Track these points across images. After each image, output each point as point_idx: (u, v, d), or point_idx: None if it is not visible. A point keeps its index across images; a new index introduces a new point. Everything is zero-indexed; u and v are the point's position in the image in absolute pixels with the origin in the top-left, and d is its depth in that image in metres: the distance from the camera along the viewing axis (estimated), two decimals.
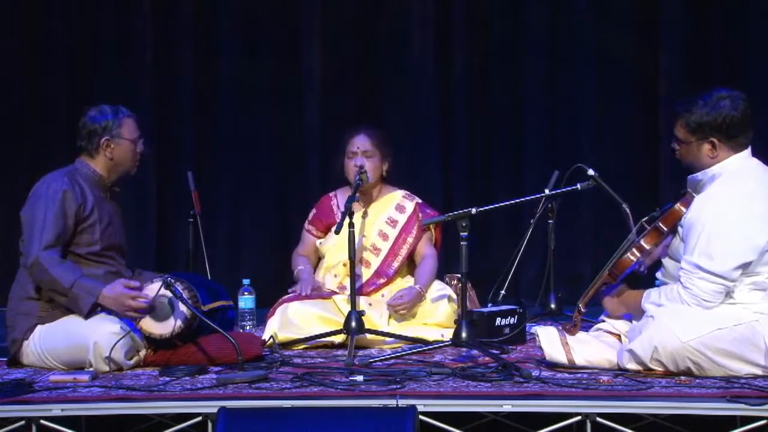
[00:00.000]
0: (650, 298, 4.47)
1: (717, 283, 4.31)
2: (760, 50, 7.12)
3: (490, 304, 5.85)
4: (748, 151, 4.47)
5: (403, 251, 5.59)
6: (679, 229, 4.47)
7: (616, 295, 4.64)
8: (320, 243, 5.67)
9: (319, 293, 5.48)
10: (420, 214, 5.62)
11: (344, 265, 5.41)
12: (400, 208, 5.65)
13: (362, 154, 5.50)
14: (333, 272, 5.57)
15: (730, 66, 7.08)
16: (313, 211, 5.77)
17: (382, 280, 5.55)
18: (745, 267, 4.32)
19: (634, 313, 4.60)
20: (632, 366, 4.40)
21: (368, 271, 5.55)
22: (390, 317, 5.40)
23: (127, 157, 4.98)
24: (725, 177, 4.39)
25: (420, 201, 5.70)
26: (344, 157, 5.55)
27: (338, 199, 5.70)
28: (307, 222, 5.76)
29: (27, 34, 7.29)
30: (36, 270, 4.72)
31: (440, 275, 5.66)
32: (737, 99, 4.42)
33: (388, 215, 5.64)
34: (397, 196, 5.68)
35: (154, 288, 4.70)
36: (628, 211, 5.42)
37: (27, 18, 7.29)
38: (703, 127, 4.41)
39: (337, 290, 5.50)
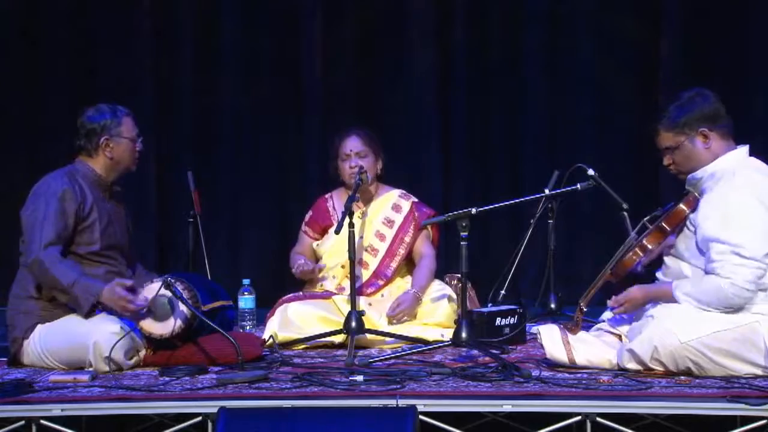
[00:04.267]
0: (684, 288, 4.38)
1: (753, 268, 4.25)
2: (761, 48, 7.11)
3: (490, 304, 5.86)
4: (745, 150, 4.48)
5: (401, 251, 5.59)
6: (690, 227, 4.45)
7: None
8: (317, 245, 5.67)
9: (318, 293, 5.48)
10: (416, 213, 5.62)
11: (342, 267, 5.42)
12: (396, 208, 5.65)
13: (356, 155, 5.51)
14: (331, 274, 5.57)
15: (730, 69, 7.07)
16: (310, 212, 5.77)
17: (381, 281, 5.55)
18: None
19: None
20: (632, 366, 4.40)
21: (367, 272, 5.55)
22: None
23: (126, 156, 4.98)
24: (729, 172, 4.38)
25: (416, 200, 5.70)
26: (338, 160, 5.57)
27: (334, 200, 5.70)
28: (303, 223, 5.76)
29: (27, 33, 7.29)
30: (37, 268, 4.72)
31: (440, 275, 5.67)
32: (705, 92, 4.48)
33: (385, 215, 5.64)
34: (393, 195, 5.69)
35: (154, 288, 4.69)
36: (626, 213, 5.45)
37: (27, 17, 7.29)
38: (687, 121, 4.43)
39: (336, 292, 5.50)
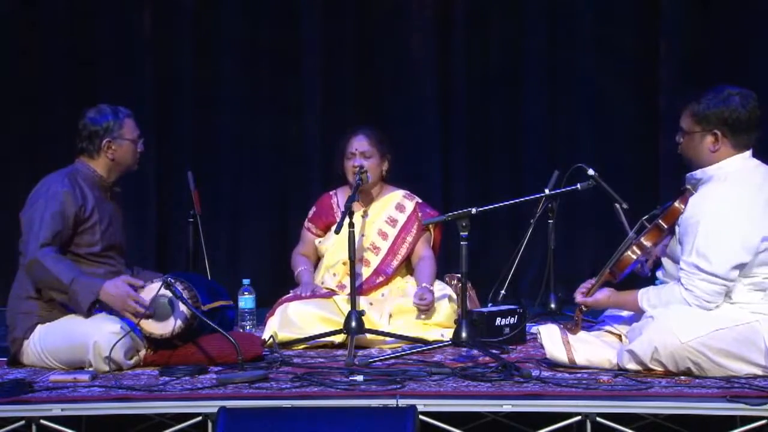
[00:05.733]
0: (650, 300, 4.46)
1: (717, 284, 4.31)
2: (762, 49, 7.11)
3: (490, 304, 5.86)
4: (748, 153, 4.46)
5: (403, 250, 5.60)
6: (677, 228, 4.47)
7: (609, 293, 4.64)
8: (319, 242, 5.68)
9: (319, 291, 5.48)
10: (420, 214, 5.63)
11: (344, 264, 5.41)
12: (400, 208, 5.66)
13: (361, 155, 5.51)
14: (332, 271, 5.57)
15: (730, 66, 7.06)
16: (313, 209, 5.78)
17: (380, 279, 5.55)
18: (741, 267, 4.32)
19: (629, 310, 4.61)
20: (632, 366, 4.40)
21: (368, 270, 5.56)
22: (390, 317, 5.40)
23: (128, 157, 4.98)
24: (722, 177, 4.39)
25: (420, 201, 5.71)
26: (343, 158, 5.57)
27: (338, 197, 5.70)
28: (306, 220, 5.77)
29: (27, 34, 7.29)
30: (34, 268, 4.72)
31: (440, 275, 5.66)
32: (748, 97, 4.41)
33: (388, 215, 5.64)
34: (398, 195, 5.69)
35: (154, 288, 4.69)
36: (621, 210, 5.45)
37: (27, 18, 7.29)
38: (709, 117, 4.40)
39: (337, 289, 5.50)
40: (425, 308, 5.35)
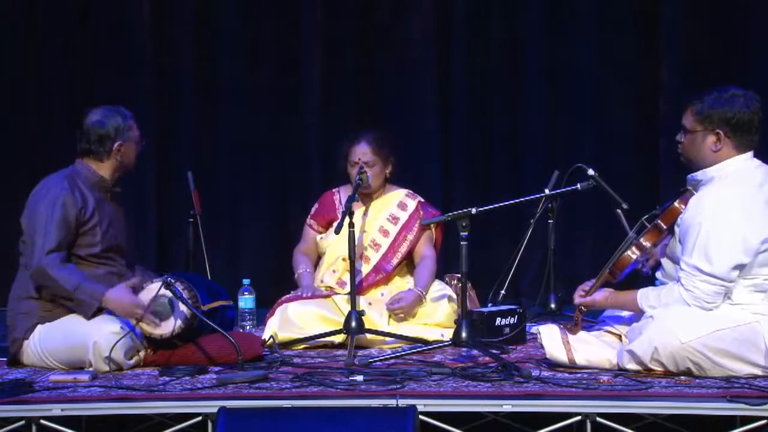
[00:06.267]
0: (649, 300, 4.46)
1: (717, 285, 4.31)
2: (762, 52, 7.11)
3: (490, 304, 5.86)
4: (750, 153, 4.46)
5: (403, 248, 5.59)
6: (676, 229, 4.47)
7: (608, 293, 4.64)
8: (321, 238, 5.68)
9: (319, 293, 5.48)
10: (422, 212, 5.63)
11: (344, 260, 5.40)
12: (402, 206, 5.66)
13: (364, 164, 5.50)
14: (332, 268, 5.57)
15: (730, 66, 7.06)
16: (316, 205, 5.77)
17: (380, 276, 5.54)
18: (741, 268, 4.33)
19: (628, 311, 4.62)
20: (632, 366, 4.40)
21: (368, 266, 5.55)
22: (390, 317, 5.40)
23: (132, 158, 5.00)
24: (723, 178, 4.39)
25: (422, 200, 5.71)
26: (346, 163, 5.56)
27: (341, 195, 5.70)
28: (309, 217, 5.76)
29: (27, 33, 7.28)
30: (39, 276, 4.73)
31: (440, 275, 5.67)
32: (751, 99, 4.42)
33: (390, 212, 5.64)
34: (400, 194, 5.69)
35: (154, 288, 4.69)
36: (620, 211, 5.46)
37: (27, 16, 7.29)
38: (712, 117, 4.40)
39: (336, 285, 5.50)
40: (398, 312, 5.35)
